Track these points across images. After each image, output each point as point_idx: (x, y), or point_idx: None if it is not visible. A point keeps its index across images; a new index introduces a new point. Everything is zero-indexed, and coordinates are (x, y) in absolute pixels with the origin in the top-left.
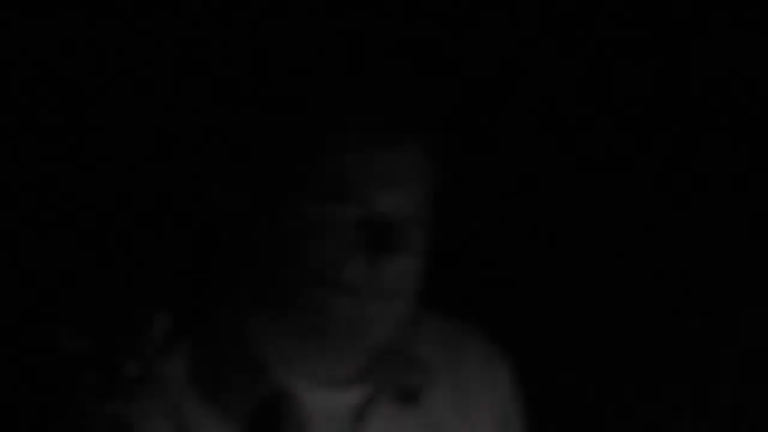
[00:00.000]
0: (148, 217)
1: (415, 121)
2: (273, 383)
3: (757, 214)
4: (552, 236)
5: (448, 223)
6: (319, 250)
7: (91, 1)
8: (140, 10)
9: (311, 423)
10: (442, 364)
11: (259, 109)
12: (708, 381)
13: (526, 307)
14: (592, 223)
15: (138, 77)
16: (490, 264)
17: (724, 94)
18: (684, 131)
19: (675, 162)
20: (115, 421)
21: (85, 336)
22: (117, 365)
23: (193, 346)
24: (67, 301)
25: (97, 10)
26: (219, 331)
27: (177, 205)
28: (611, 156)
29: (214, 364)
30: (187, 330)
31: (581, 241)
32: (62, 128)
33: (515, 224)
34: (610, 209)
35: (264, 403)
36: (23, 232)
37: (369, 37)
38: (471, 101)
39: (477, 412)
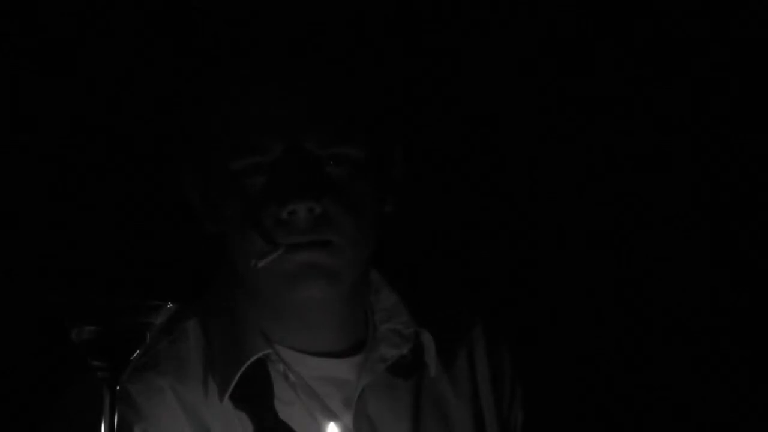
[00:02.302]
0: (148, 208)
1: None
2: (260, 353)
3: None
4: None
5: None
6: (244, 206)
7: None
8: None
9: (305, 389)
10: (440, 341)
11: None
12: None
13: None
14: (590, 223)
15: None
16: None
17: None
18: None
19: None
20: (121, 401)
21: (92, 325)
22: (123, 351)
23: (196, 324)
24: (75, 292)
25: None
26: (214, 309)
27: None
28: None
29: (211, 340)
30: (193, 310)
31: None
32: (63, 128)
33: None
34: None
35: (252, 372)
36: (29, 224)
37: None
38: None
39: (476, 387)
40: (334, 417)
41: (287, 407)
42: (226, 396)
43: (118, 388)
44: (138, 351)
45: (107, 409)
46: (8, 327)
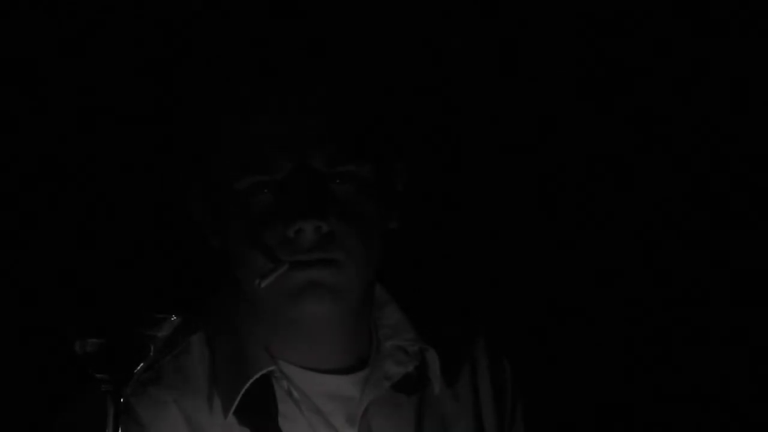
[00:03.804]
0: (152, 221)
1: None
2: (264, 369)
3: None
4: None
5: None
6: (248, 224)
7: None
8: None
9: (309, 406)
10: (443, 356)
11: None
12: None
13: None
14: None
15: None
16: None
17: None
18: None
19: None
20: (125, 415)
21: (96, 337)
22: (127, 364)
23: (201, 338)
24: (79, 304)
25: None
26: (218, 323)
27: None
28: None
29: (215, 355)
30: (198, 323)
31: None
32: (66, 133)
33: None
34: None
35: (256, 388)
36: (31, 237)
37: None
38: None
39: (479, 403)
40: None
41: (291, 423)
42: (231, 412)
43: (122, 401)
44: (142, 364)
45: (111, 422)
46: (12, 340)
